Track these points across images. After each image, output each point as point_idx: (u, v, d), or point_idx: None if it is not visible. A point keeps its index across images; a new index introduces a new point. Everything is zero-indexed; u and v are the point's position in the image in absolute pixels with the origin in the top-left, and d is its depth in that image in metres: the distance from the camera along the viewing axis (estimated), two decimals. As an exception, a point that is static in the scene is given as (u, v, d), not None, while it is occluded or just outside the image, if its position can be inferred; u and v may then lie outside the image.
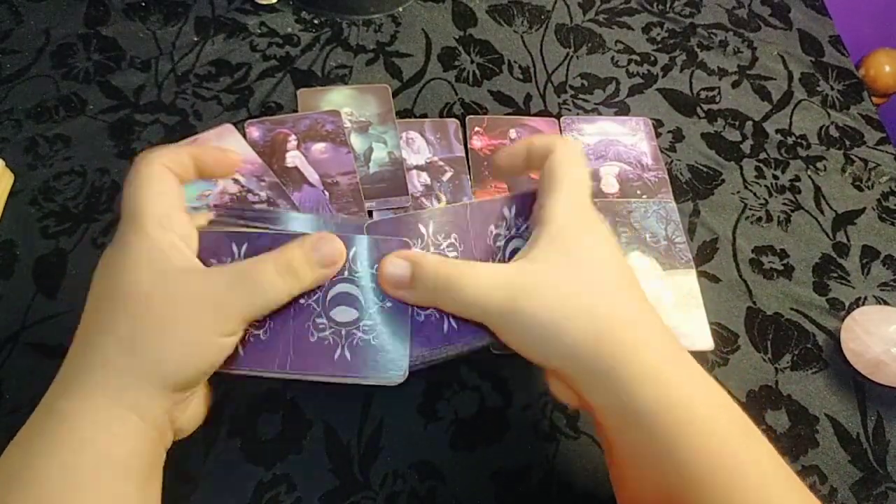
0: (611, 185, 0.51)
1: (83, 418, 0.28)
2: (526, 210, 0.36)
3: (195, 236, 0.33)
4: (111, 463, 0.28)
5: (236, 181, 0.46)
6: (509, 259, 0.35)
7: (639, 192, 0.50)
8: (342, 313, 0.33)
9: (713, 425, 0.30)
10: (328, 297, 0.33)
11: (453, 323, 0.34)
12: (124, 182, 0.32)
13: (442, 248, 0.35)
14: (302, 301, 0.33)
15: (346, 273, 0.33)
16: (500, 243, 0.35)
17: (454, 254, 0.35)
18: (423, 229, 0.34)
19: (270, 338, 0.32)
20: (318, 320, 0.33)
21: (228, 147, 0.36)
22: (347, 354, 0.32)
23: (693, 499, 0.29)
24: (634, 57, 0.59)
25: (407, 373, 0.32)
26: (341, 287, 0.33)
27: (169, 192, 0.32)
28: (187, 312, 0.30)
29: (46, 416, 0.29)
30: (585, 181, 0.34)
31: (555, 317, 0.30)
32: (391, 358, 0.32)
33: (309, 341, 0.32)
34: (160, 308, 0.30)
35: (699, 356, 0.44)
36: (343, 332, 0.32)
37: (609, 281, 0.32)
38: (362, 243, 0.33)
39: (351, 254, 0.33)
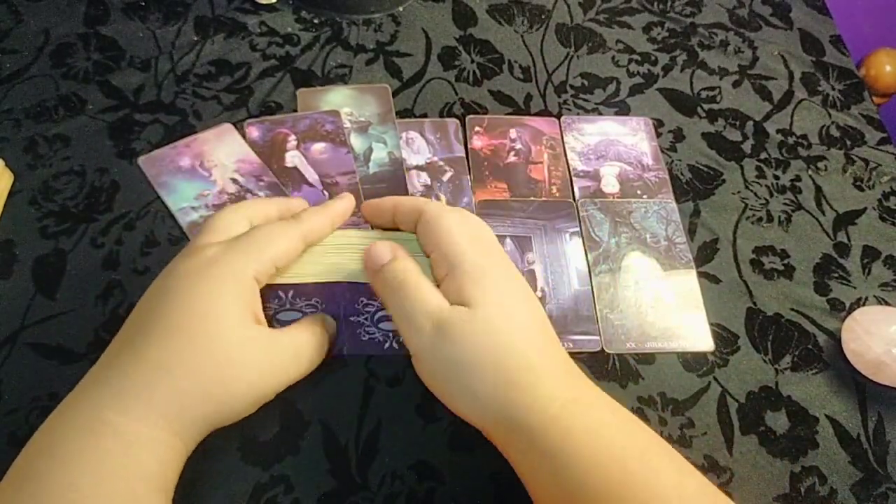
0: (611, 185, 0.50)
1: (138, 440, 0.29)
2: None
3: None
4: (151, 479, 0.30)
5: (235, 181, 0.46)
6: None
7: (639, 192, 0.50)
8: (389, 325, 0.42)
9: (625, 451, 0.31)
10: (375, 317, 0.42)
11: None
12: (237, 205, 0.38)
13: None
14: (352, 318, 0.42)
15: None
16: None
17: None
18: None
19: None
20: (368, 329, 0.42)
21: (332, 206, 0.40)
22: (395, 345, 0.41)
23: None
24: (635, 57, 0.59)
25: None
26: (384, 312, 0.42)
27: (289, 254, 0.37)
28: (258, 362, 0.33)
29: (96, 425, 0.29)
30: (464, 222, 0.37)
31: (472, 354, 0.32)
32: None
33: (361, 340, 0.41)
34: (241, 350, 0.32)
35: (699, 357, 0.44)
36: (391, 334, 0.42)
37: (516, 326, 0.33)
38: None
39: None
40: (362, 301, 0.42)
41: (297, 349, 0.36)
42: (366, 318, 0.42)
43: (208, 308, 0.32)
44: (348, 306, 0.41)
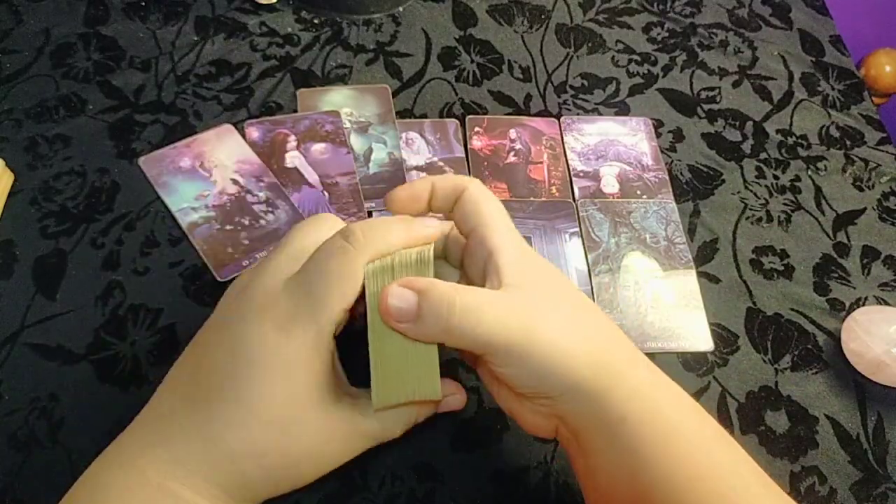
0: (611, 186, 0.50)
1: None
2: None
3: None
4: None
5: (235, 181, 0.46)
6: None
7: (639, 192, 0.50)
8: None
9: (698, 439, 0.30)
10: None
11: None
12: (330, 255, 0.30)
13: None
14: None
15: None
16: None
17: None
18: None
19: None
20: None
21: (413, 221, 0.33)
22: None
23: None
24: (635, 57, 0.59)
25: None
26: None
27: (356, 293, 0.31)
28: (330, 450, 0.31)
29: (155, 493, 0.28)
30: (504, 210, 0.33)
31: (556, 345, 0.29)
32: None
33: None
34: (315, 441, 0.30)
35: (699, 356, 0.44)
36: None
37: (579, 304, 0.32)
38: None
39: None
40: None
41: (375, 435, 0.32)
42: None
43: (283, 387, 0.29)
44: None
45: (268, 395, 0.29)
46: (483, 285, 0.31)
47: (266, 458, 0.29)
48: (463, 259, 0.35)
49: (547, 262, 0.33)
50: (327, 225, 0.33)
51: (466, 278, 0.34)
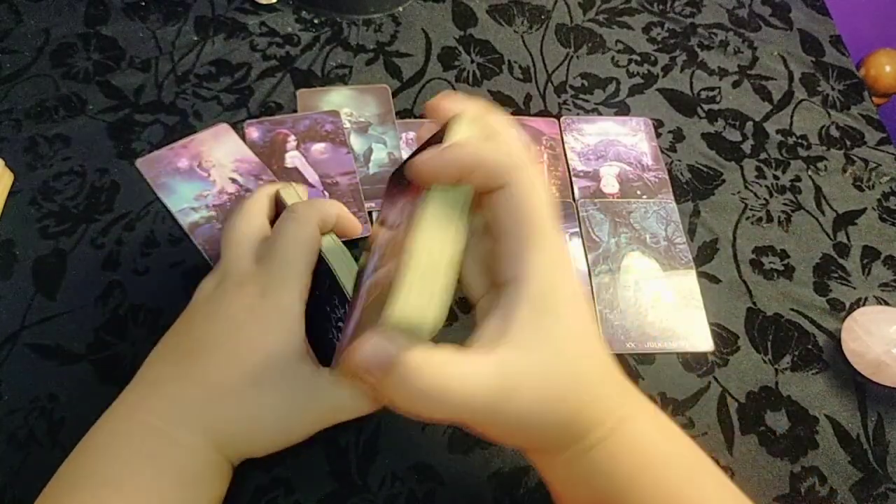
0: (611, 186, 0.50)
1: (178, 443, 0.31)
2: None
3: None
4: (203, 481, 0.32)
5: (234, 180, 0.46)
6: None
7: (639, 192, 0.50)
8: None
9: (683, 472, 0.30)
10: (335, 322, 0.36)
11: None
12: (286, 226, 0.35)
13: None
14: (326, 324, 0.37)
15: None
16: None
17: None
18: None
19: None
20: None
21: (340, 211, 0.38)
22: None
23: None
24: (635, 57, 0.59)
25: None
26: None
27: (316, 257, 0.36)
28: (299, 404, 0.33)
29: (163, 437, 0.31)
30: (553, 215, 0.28)
31: (538, 408, 0.27)
32: None
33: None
34: (286, 391, 0.32)
35: (699, 357, 0.44)
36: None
37: (585, 352, 0.29)
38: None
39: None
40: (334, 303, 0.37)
41: (338, 398, 0.33)
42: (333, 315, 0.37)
43: (260, 341, 0.33)
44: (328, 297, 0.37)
45: (245, 346, 0.32)
46: (490, 304, 0.29)
47: (242, 404, 0.32)
48: (487, 252, 0.31)
49: (573, 291, 0.28)
50: (265, 193, 0.38)
51: (480, 265, 0.31)
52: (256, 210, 0.37)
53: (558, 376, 0.27)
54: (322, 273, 0.36)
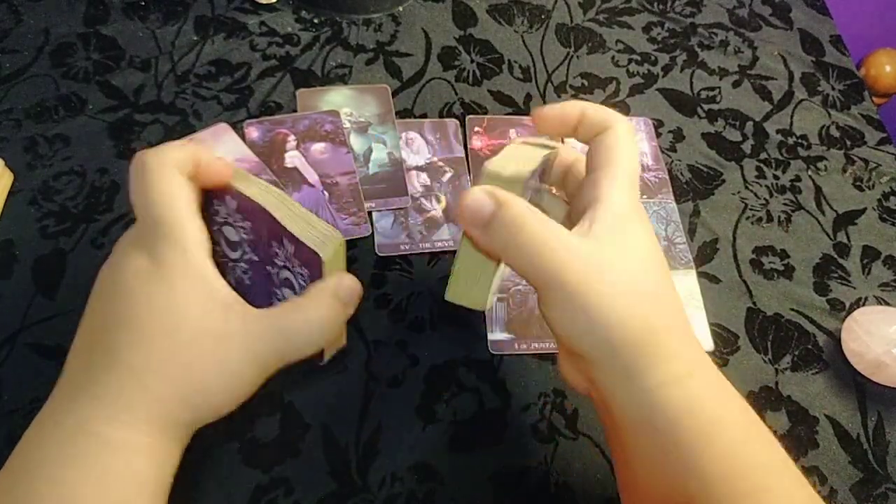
0: (611, 186, 0.50)
1: (126, 447, 0.28)
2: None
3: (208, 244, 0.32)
4: (146, 483, 0.29)
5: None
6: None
7: (639, 192, 0.50)
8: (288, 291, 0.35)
9: (738, 435, 0.30)
10: (280, 278, 0.35)
11: None
12: (140, 183, 0.31)
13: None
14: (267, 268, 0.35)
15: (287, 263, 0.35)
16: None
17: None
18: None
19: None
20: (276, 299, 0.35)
21: (222, 156, 0.35)
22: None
23: None
24: (635, 57, 0.59)
25: None
26: (285, 273, 0.35)
27: (194, 203, 0.32)
28: (233, 354, 0.30)
29: (80, 437, 0.28)
30: (637, 166, 0.33)
31: (608, 303, 0.29)
32: None
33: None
34: (211, 345, 0.30)
35: (699, 357, 0.44)
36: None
37: (655, 279, 0.31)
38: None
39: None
40: (275, 252, 0.36)
41: (282, 334, 0.31)
42: (275, 272, 0.36)
43: (162, 298, 0.30)
44: (267, 250, 0.36)
45: (145, 311, 0.29)
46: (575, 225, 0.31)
47: (168, 371, 0.29)
48: (574, 194, 0.35)
49: (648, 226, 0.32)
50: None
51: (571, 215, 0.35)
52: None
53: (644, 283, 0.30)
54: (256, 218, 0.34)
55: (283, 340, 0.31)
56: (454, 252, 0.44)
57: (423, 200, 0.48)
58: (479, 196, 0.30)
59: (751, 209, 0.51)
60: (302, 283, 0.34)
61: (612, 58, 0.59)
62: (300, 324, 0.31)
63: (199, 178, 0.33)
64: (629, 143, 0.33)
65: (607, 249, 0.30)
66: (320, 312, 0.32)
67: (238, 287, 0.33)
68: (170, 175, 0.31)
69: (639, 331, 0.29)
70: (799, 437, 0.42)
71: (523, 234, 0.29)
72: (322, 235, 0.32)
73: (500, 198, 0.30)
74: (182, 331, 0.30)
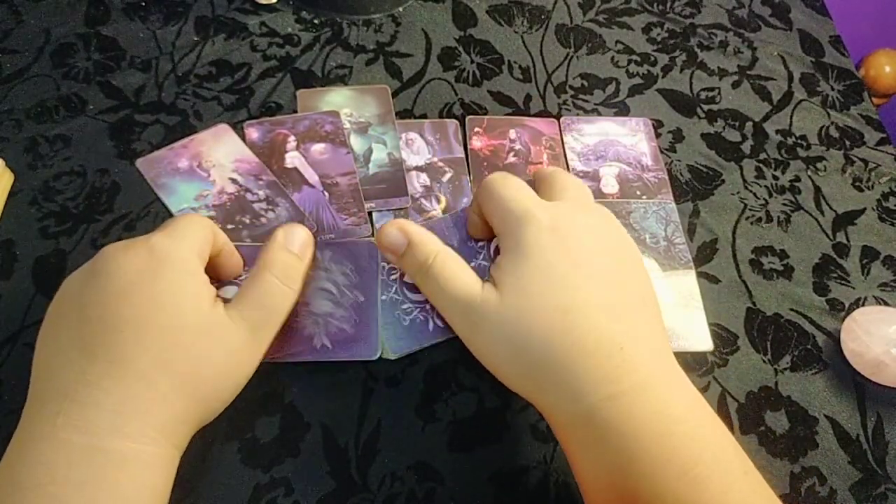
0: (610, 186, 0.50)
1: (138, 459, 0.29)
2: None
3: None
4: (155, 491, 0.30)
5: (234, 181, 0.46)
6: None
7: (638, 192, 0.50)
8: (320, 305, 0.40)
9: (683, 425, 0.31)
10: (307, 290, 0.40)
11: (438, 322, 0.41)
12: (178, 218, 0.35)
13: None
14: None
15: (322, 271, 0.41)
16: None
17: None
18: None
19: None
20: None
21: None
22: (327, 343, 0.39)
23: (648, 495, 0.29)
24: (634, 57, 0.59)
25: (379, 351, 0.40)
26: (319, 283, 0.40)
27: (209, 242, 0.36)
28: (231, 336, 0.33)
29: (94, 458, 0.28)
30: (523, 188, 0.36)
31: (499, 345, 0.33)
32: (365, 345, 0.40)
33: (289, 327, 0.39)
34: (212, 333, 0.32)
35: (699, 357, 0.44)
36: (321, 322, 0.40)
37: (566, 297, 0.32)
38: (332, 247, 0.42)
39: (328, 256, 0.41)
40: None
41: (258, 301, 0.35)
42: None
43: (171, 304, 0.31)
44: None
45: (146, 310, 0.30)
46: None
47: (177, 368, 0.30)
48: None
49: (542, 251, 0.33)
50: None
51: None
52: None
53: (528, 320, 0.32)
54: None
55: (259, 307, 0.34)
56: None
57: (423, 201, 0.48)
58: (390, 231, 0.36)
59: (750, 209, 0.51)
60: None
61: (612, 58, 0.59)
62: (267, 284, 0.35)
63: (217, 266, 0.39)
64: (498, 185, 0.36)
65: (499, 298, 0.33)
66: (276, 268, 0.36)
67: None
68: (207, 223, 0.37)
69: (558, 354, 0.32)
70: (798, 437, 0.42)
71: (432, 268, 0.35)
72: None
73: (408, 232, 0.36)
74: (185, 325, 0.31)
